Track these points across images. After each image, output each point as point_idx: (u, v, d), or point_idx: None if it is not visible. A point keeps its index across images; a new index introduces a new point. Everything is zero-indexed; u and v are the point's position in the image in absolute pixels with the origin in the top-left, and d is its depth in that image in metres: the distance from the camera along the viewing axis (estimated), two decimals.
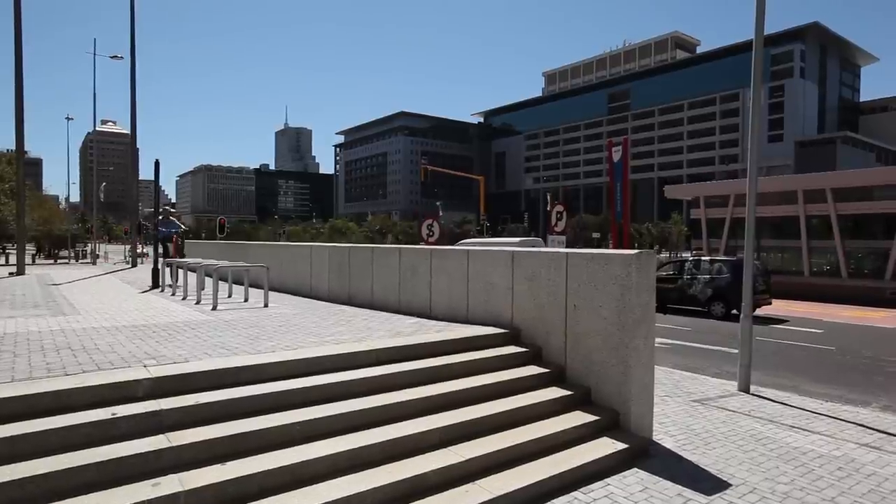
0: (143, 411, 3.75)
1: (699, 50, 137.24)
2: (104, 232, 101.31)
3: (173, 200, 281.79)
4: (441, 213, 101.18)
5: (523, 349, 5.99)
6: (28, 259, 31.62)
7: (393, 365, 5.17)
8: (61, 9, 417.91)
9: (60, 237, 53.44)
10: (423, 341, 5.63)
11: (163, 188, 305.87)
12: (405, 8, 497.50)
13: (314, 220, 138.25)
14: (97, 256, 43.06)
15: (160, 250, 13.85)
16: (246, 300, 9.73)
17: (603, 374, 5.41)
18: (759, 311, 15.32)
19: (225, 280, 11.40)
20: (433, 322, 7.09)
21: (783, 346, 11.54)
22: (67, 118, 44.56)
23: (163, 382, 4.09)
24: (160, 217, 14.19)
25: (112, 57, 29.69)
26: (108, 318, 7.47)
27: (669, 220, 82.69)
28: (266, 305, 8.97)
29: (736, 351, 8.31)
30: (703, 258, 16.34)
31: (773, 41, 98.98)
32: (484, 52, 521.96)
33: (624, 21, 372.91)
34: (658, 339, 12.09)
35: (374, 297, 8.85)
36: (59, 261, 49.07)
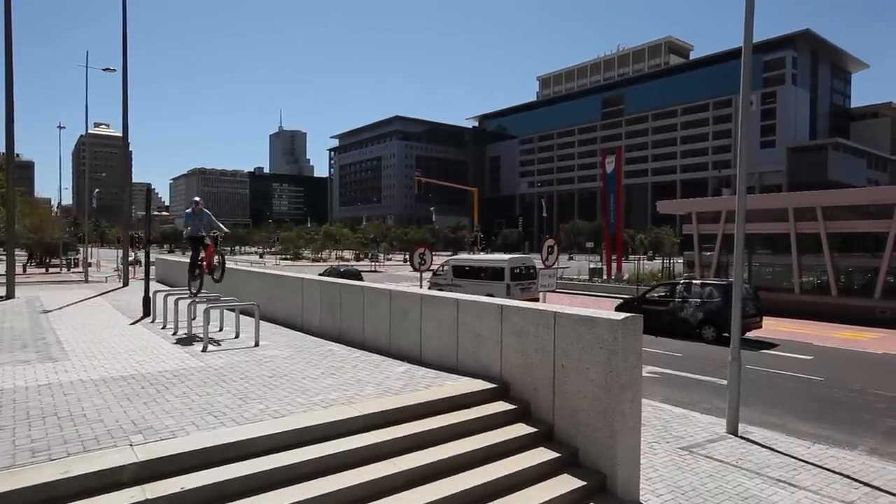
0: (128, 503, 3.74)
1: (692, 55, 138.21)
2: (97, 236, 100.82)
3: (167, 203, 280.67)
4: (435, 218, 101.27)
5: (512, 406, 6.01)
6: (19, 268, 31.39)
7: (381, 430, 5.18)
8: (56, 11, 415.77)
9: (52, 245, 53.04)
10: (411, 402, 5.64)
11: (156, 191, 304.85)
12: (401, 11, 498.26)
13: (308, 224, 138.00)
14: (89, 265, 42.68)
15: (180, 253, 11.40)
16: (237, 336, 9.70)
17: (590, 435, 5.44)
18: (750, 335, 15.42)
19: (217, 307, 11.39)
20: (423, 371, 7.10)
21: (772, 376, 11.62)
22: (59, 127, 44.22)
23: (149, 466, 4.08)
24: (189, 210, 10.59)
25: (104, 69, 29.55)
26: (98, 364, 7.45)
27: (663, 226, 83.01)
28: (257, 344, 8.96)
29: (726, 382, 8.33)
30: (694, 281, 16.44)
31: (765, 48, 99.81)
32: (479, 55, 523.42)
33: (618, 25, 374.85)
34: (649, 368, 12.17)
35: (365, 337, 8.86)
36: (50, 270, 48.79)
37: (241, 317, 10.32)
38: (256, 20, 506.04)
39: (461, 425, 5.58)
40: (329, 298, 9.85)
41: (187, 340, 9.25)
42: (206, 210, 10.73)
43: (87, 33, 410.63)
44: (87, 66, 29.82)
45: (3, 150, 19.07)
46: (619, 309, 17.77)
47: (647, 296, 17.15)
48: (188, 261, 11.15)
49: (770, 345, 14.98)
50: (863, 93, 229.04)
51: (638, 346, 5.42)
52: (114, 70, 29.61)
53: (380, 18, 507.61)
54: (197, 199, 10.89)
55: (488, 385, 6.27)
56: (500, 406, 6.03)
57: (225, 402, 5.61)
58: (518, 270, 21.80)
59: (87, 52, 32.11)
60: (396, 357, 7.96)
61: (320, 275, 33.03)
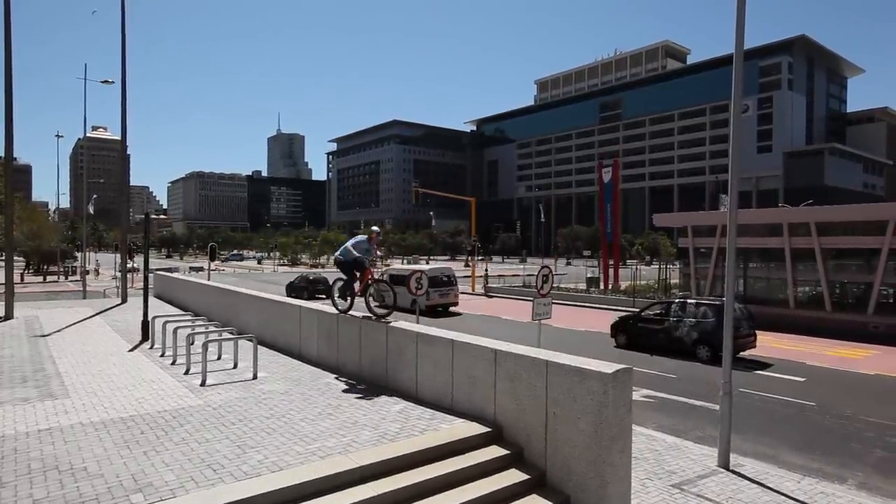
0: None
1: (690, 59, 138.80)
2: (94, 239, 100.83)
3: (165, 207, 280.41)
4: (434, 223, 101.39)
5: (505, 451, 6.12)
6: (16, 276, 31.41)
7: (379, 482, 5.28)
8: (53, 12, 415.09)
9: (50, 252, 53.10)
10: (408, 451, 5.74)
11: (154, 194, 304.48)
12: (399, 15, 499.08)
13: (307, 228, 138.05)
14: (87, 273, 42.67)
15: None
16: (235, 366, 9.81)
17: (581, 484, 5.56)
18: (744, 354, 15.57)
19: (216, 324, 11.54)
20: (419, 410, 7.20)
21: (765, 401, 11.75)
22: (57, 136, 44.28)
23: None
24: (364, 237, 9.43)
25: (103, 82, 29.65)
26: (98, 402, 7.54)
27: (660, 231, 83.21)
28: (255, 377, 9.06)
29: (718, 407, 8.38)
30: (688, 301, 16.59)
31: (762, 53, 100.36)
32: (477, 59, 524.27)
33: (616, 29, 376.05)
34: (644, 391, 12.29)
35: (362, 369, 8.97)
36: (47, 278, 48.86)
37: (240, 342, 10.40)
38: (254, 23, 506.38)
39: (457, 473, 5.68)
40: (326, 329, 9.95)
41: (186, 371, 9.35)
42: (374, 229, 9.70)
43: (86, 35, 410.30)
44: (85, 79, 29.93)
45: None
46: (614, 327, 17.93)
47: (643, 314, 17.31)
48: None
49: (764, 365, 15.11)
50: (859, 97, 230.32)
51: (628, 397, 5.55)
52: (112, 82, 29.74)
53: (378, 22, 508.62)
54: (376, 228, 9.72)
55: (483, 429, 6.38)
56: (494, 451, 6.13)
57: (224, 452, 5.71)
58: (437, 279, 27.16)
59: (86, 65, 32.23)
60: (393, 392, 8.07)
61: (291, 283, 35.95)
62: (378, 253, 9.91)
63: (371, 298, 9.32)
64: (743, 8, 7.89)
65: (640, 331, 16.93)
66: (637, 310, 19.22)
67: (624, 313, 19.67)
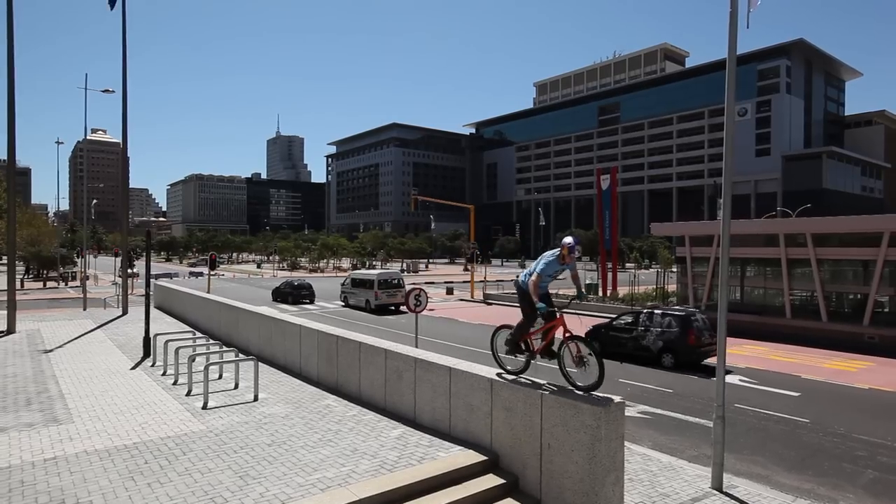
0: None
1: (688, 61, 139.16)
2: (94, 242, 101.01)
3: (164, 209, 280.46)
4: (433, 226, 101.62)
5: (502, 480, 6.26)
6: (17, 282, 31.48)
7: None
8: (52, 14, 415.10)
9: (50, 258, 53.19)
10: (405, 482, 5.88)
11: (153, 196, 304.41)
12: (398, 18, 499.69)
13: (306, 231, 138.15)
14: (86, 278, 42.62)
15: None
16: (236, 386, 9.95)
17: None
18: (709, 361, 15.75)
19: (217, 343, 11.70)
20: (417, 436, 7.34)
21: (760, 417, 11.87)
22: (57, 142, 44.40)
23: None
24: (556, 253, 6.32)
25: (104, 91, 29.78)
26: (101, 428, 7.67)
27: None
28: (256, 398, 9.20)
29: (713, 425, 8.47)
30: (655, 311, 17.09)
31: (760, 57, 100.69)
32: (476, 61, 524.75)
33: (615, 31, 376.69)
34: (640, 407, 12.42)
35: (361, 391, 9.11)
36: (48, 284, 48.96)
37: (241, 358, 10.51)
38: (254, 25, 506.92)
39: None
40: (326, 349, 10.09)
41: (188, 393, 9.48)
42: (570, 239, 6.33)
43: (86, 37, 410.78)
44: (86, 89, 30.04)
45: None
46: (588, 335, 18.10)
47: (614, 323, 17.79)
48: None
49: (755, 376, 15.24)
50: (857, 101, 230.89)
51: (621, 430, 5.68)
52: (112, 91, 29.85)
53: (377, 25, 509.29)
54: (570, 239, 6.30)
55: (479, 458, 6.51)
56: (491, 480, 6.27)
57: (226, 484, 5.84)
58: (384, 281, 30.57)
59: (87, 75, 32.08)
60: (392, 416, 8.20)
61: (277, 288, 37.07)
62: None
63: (566, 361, 6.19)
64: (735, 20, 8.00)
65: (612, 339, 17.31)
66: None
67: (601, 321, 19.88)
